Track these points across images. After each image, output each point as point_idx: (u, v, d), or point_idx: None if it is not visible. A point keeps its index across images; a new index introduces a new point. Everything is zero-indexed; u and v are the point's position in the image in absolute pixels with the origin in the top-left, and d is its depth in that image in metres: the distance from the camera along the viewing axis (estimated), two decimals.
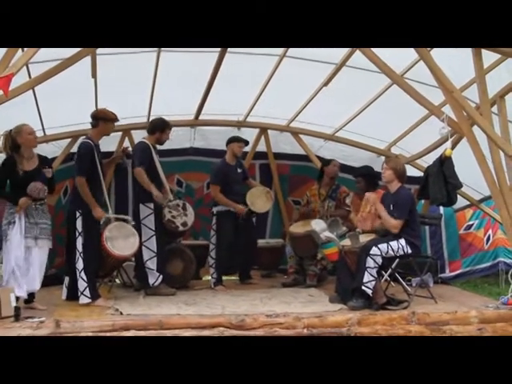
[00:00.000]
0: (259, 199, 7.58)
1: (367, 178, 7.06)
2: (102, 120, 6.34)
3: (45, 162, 6.16)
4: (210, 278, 7.54)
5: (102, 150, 6.64)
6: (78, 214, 6.20)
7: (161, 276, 6.74)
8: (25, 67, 5.70)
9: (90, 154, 6.24)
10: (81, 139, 6.53)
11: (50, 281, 7.42)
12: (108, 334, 4.87)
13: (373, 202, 6.24)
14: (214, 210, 7.47)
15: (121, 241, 6.32)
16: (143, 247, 6.69)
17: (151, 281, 6.73)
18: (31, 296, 6.00)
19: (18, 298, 5.63)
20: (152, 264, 6.71)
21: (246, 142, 7.67)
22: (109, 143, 7.17)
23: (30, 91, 6.26)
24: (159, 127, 6.94)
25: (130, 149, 7.25)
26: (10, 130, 5.95)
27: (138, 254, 6.73)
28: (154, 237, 6.73)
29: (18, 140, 5.92)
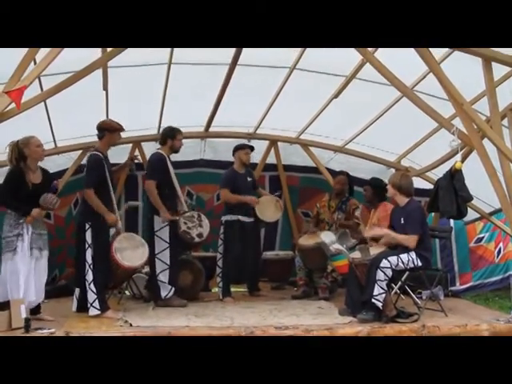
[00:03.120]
0: (268, 208, 7.58)
1: (374, 188, 7.06)
2: (108, 131, 6.34)
3: (48, 175, 6.13)
4: (217, 288, 7.55)
5: (112, 162, 6.68)
6: (87, 226, 6.19)
7: (173, 289, 6.72)
8: (37, 80, 5.75)
9: (99, 166, 6.25)
10: (89, 152, 6.55)
11: (59, 292, 7.48)
12: None
13: (379, 235, 6.21)
14: (223, 219, 7.47)
15: (130, 252, 6.32)
16: (156, 259, 6.67)
17: (163, 293, 6.70)
18: (37, 307, 6.01)
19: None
20: (164, 277, 6.68)
21: (252, 148, 7.67)
22: (119, 155, 7.20)
23: (42, 104, 6.32)
24: (170, 135, 6.93)
25: (139, 157, 7.26)
26: (17, 141, 5.92)
27: (151, 266, 6.74)
28: (168, 249, 6.70)
29: (25, 152, 5.88)
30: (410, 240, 5.93)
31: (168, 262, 6.70)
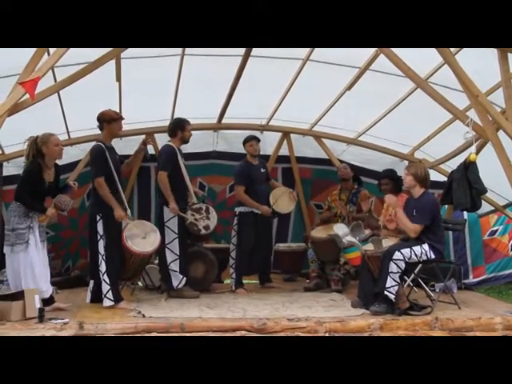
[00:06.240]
0: (282, 200, 7.58)
1: (394, 180, 7.01)
2: (106, 121, 6.32)
3: (59, 170, 6.16)
4: (230, 280, 7.57)
5: (126, 154, 6.69)
6: (98, 218, 6.21)
7: (184, 278, 6.76)
8: (50, 71, 5.76)
9: (102, 155, 6.22)
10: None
11: (73, 282, 7.53)
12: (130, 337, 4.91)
13: (393, 205, 6.21)
14: (237, 210, 7.48)
15: (141, 238, 6.37)
16: (166, 249, 6.72)
17: (175, 283, 6.75)
18: (50, 297, 6.03)
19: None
20: (175, 266, 6.73)
21: (256, 139, 7.62)
22: (132, 146, 7.20)
23: (56, 95, 6.33)
24: (178, 126, 6.93)
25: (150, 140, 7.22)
26: (36, 137, 5.92)
27: (162, 256, 6.77)
28: (177, 239, 6.74)
29: (43, 149, 5.88)
30: (411, 228, 5.89)
31: (177, 253, 6.75)
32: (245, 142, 7.60)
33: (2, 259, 5.99)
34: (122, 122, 6.43)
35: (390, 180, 7.07)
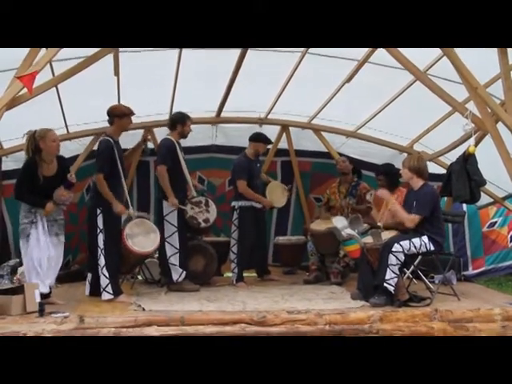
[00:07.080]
0: (276, 193, 7.71)
1: (389, 176, 7.02)
2: (117, 116, 6.32)
3: (63, 162, 6.16)
4: (231, 273, 7.58)
5: (125, 147, 6.68)
6: (98, 211, 6.22)
7: (184, 272, 6.78)
8: (48, 65, 5.75)
9: (109, 151, 6.24)
10: (101, 137, 6.56)
11: (72, 276, 7.54)
12: (130, 330, 4.92)
13: (386, 198, 6.23)
14: (236, 204, 7.46)
15: (141, 237, 6.37)
16: (166, 243, 6.73)
17: (175, 277, 6.76)
18: (48, 291, 6.05)
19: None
20: (175, 260, 6.74)
21: (268, 142, 7.70)
22: (131, 140, 7.20)
23: (54, 89, 6.32)
24: (179, 120, 6.93)
25: (150, 137, 7.26)
26: (35, 132, 5.92)
27: (162, 250, 6.77)
28: (177, 233, 6.76)
29: (40, 144, 5.88)
30: (410, 219, 5.91)
31: (177, 246, 6.76)
32: (260, 141, 7.54)
33: (2, 254, 6.01)
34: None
35: (383, 176, 7.08)
